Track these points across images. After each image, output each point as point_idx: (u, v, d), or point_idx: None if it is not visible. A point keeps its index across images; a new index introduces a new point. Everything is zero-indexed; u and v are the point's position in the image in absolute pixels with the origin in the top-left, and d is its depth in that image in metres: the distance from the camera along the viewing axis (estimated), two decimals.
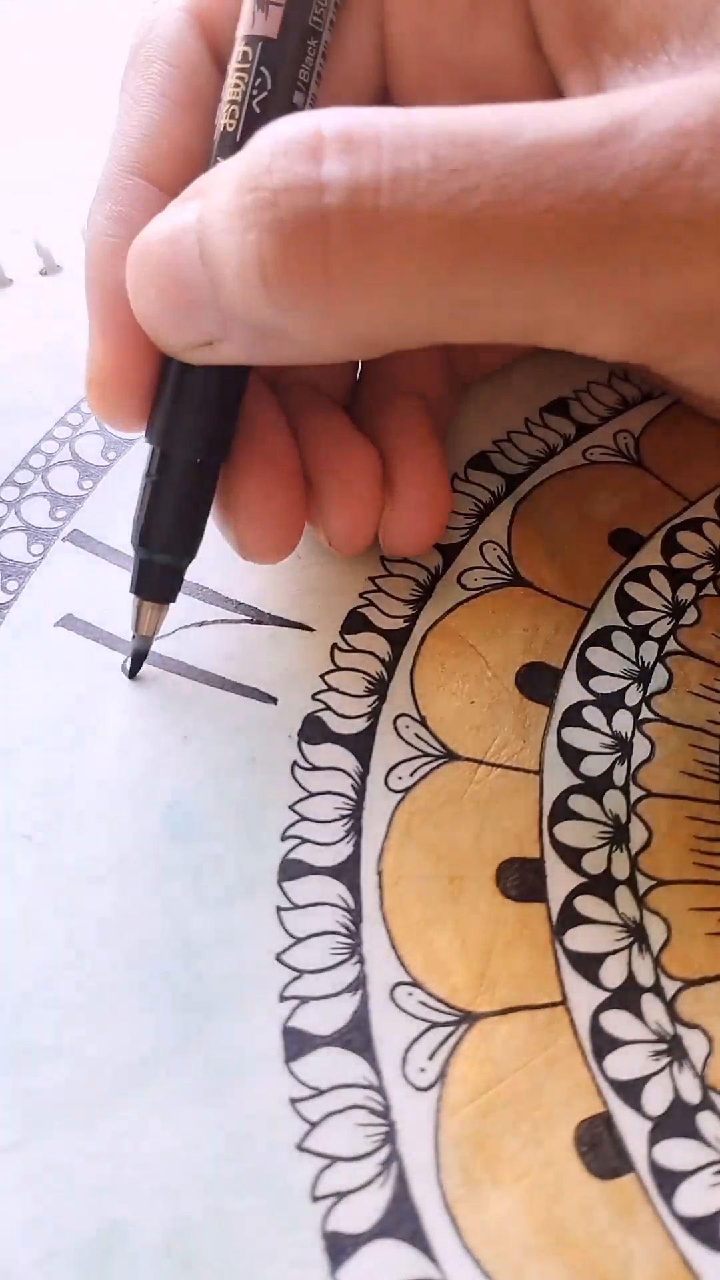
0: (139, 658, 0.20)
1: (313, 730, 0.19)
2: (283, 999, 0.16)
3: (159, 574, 0.19)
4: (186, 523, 0.19)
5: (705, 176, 0.13)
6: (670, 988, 0.16)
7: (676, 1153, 0.14)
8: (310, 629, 0.20)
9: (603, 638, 0.20)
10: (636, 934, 0.16)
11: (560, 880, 0.17)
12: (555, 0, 0.17)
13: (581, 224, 0.13)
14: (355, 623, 0.20)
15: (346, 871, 0.17)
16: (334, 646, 0.20)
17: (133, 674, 0.20)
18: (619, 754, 0.18)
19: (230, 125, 0.17)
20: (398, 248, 0.14)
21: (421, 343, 0.16)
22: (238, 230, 0.14)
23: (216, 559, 0.21)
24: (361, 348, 0.16)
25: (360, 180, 0.14)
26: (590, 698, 0.19)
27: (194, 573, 0.21)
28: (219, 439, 0.18)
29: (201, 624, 0.20)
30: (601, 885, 0.17)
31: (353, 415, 0.21)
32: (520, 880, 0.17)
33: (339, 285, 0.14)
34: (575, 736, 0.19)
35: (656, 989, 0.16)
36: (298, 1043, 0.15)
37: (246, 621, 0.20)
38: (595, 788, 0.18)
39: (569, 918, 0.17)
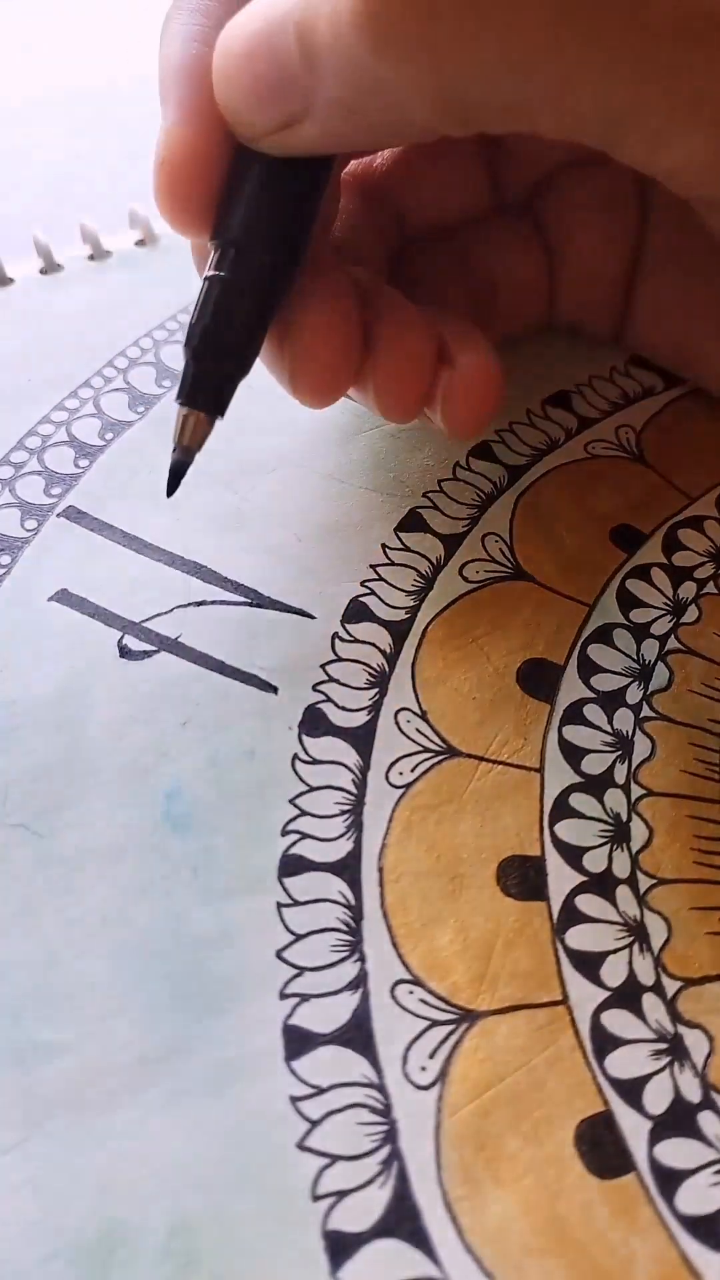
0: (177, 473, 0.18)
1: (313, 722, 0.19)
2: (283, 996, 0.16)
3: (211, 382, 0.18)
4: (248, 331, 0.17)
5: None
6: (671, 987, 0.16)
7: (677, 1152, 0.15)
8: (311, 616, 0.20)
9: (604, 635, 0.20)
10: (637, 933, 0.16)
11: (561, 878, 0.17)
12: None
13: (701, 18, 0.13)
14: (356, 612, 0.20)
15: (347, 868, 0.17)
16: (335, 636, 0.20)
17: (170, 491, 0.19)
18: (620, 752, 0.18)
19: None
20: (506, 3, 0.13)
21: (512, 124, 0.15)
22: None
23: (216, 538, 0.21)
24: (456, 112, 0.15)
25: None
26: (591, 695, 0.19)
27: (192, 551, 0.21)
28: (292, 247, 0.17)
29: (200, 604, 0.20)
30: (602, 884, 0.17)
31: None
32: (521, 878, 0.17)
33: (448, 31, 0.13)
34: (576, 734, 0.19)
35: (657, 988, 0.16)
36: (298, 1041, 0.15)
37: (246, 604, 0.20)
38: (596, 786, 0.18)
39: (570, 916, 0.17)
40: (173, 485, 0.19)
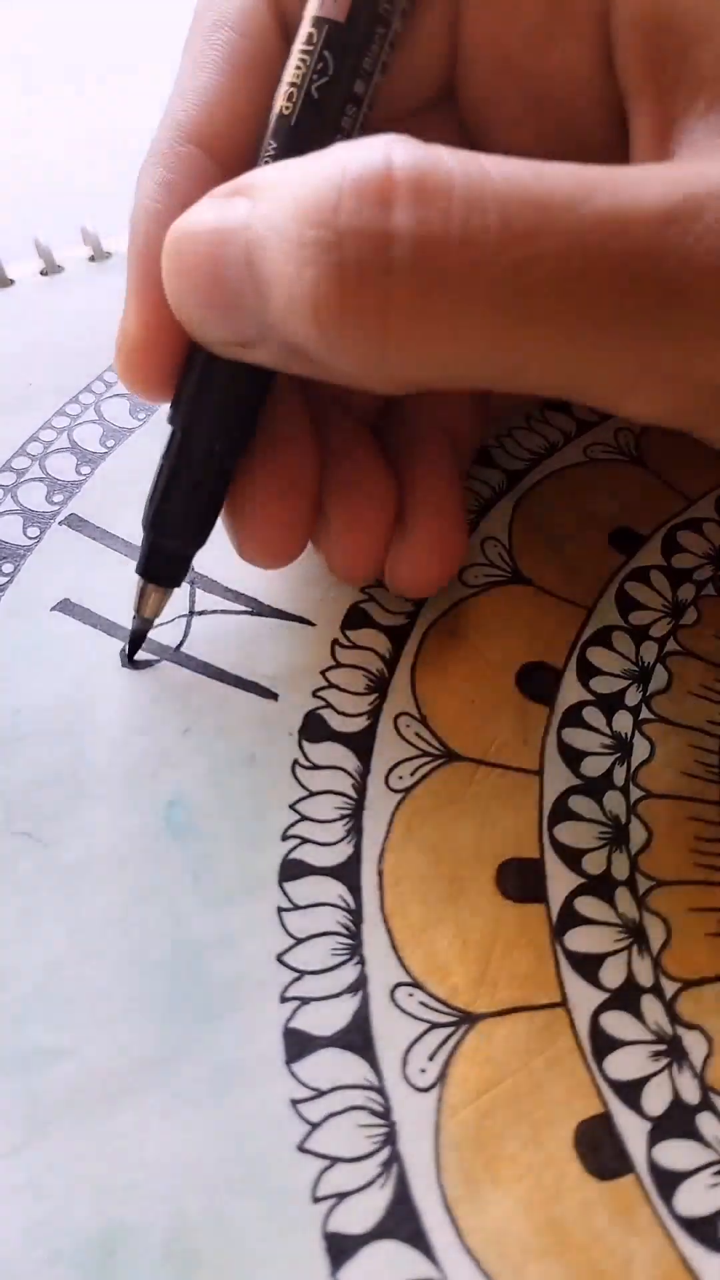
0: (138, 639, 0.19)
1: (313, 728, 0.19)
2: (283, 1000, 0.16)
3: (167, 558, 0.19)
4: (199, 511, 0.18)
5: None
6: (670, 988, 0.16)
7: (676, 1153, 0.15)
8: (311, 623, 0.20)
9: (603, 637, 0.20)
10: (636, 935, 0.16)
11: (560, 881, 0.17)
12: (635, 26, 0.16)
13: (637, 301, 0.14)
14: (356, 618, 0.20)
15: (347, 872, 0.17)
16: (335, 642, 0.20)
17: (131, 655, 0.20)
18: (619, 754, 0.18)
19: (287, 108, 0.17)
20: (457, 308, 0.14)
21: (464, 387, 0.16)
22: (295, 261, 0.14)
23: (217, 548, 0.21)
24: (402, 390, 0.16)
25: (430, 235, 0.13)
26: (590, 698, 0.19)
27: (195, 560, 0.21)
28: (240, 432, 0.18)
29: (201, 613, 0.20)
30: (601, 886, 0.17)
31: (377, 437, 0.20)
32: (520, 881, 0.17)
33: (394, 337, 0.14)
34: (575, 737, 0.19)
35: (656, 990, 0.16)
36: (298, 1044, 0.15)
37: (246, 613, 0.20)
38: (595, 788, 0.18)
39: (569, 918, 0.17)
40: (133, 650, 0.20)
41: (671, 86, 0.16)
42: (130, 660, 0.20)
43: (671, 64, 0.16)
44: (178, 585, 0.19)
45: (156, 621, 0.20)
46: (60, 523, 0.22)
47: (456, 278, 0.13)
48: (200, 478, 0.18)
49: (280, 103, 0.17)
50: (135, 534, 0.21)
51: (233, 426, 0.18)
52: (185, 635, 0.20)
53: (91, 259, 0.27)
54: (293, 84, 0.17)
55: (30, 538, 0.21)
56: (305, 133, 0.16)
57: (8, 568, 0.21)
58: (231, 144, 0.18)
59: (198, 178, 0.17)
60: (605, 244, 0.13)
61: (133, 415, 0.23)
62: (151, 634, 0.20)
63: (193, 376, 0.17)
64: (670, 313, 0.14)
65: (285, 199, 0.14)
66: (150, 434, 0.23)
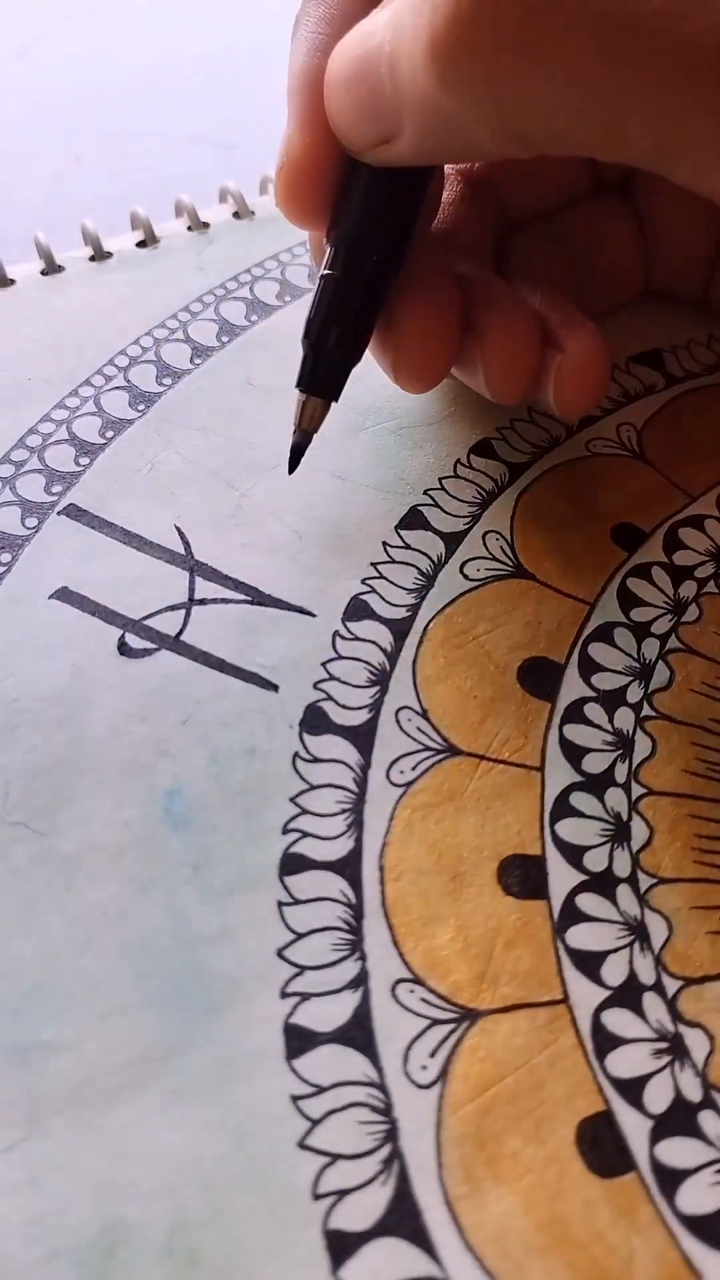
0: (297, 452, 0.20)
1: (314, 720, 0.19)
2: (284, 995, 0.16)
3: (326, 370, 0.20)
4: (355, 323, 0.19)
5: None
6: (671, 986, 0.16)
7: (678, 1151, 0.15)
8: (312, 614, 0.20)
9: (605, 633, 0.20)
10: (638, 932, 0.16)
11: (562, 877, 0.17)
12: None
13: None
14: (357, 609, 0.20)
15: (348, 866, 0.17)
16: (336, 634, 0.20)
17: (292, 468, 0.21)
18: (620, 751, 0.18)
19: None
20: (562, 33, 0.15)
21: (569, 148, 0.16)
22: (420, 11, 0.15)
23: (216, 535, 0.21)
24: (516, 140, 0.16)
25: None
26: (592, 694, 0.19)
27: (192, 548, 0.21)
28: (394, 249, 0.19)
29: (201, 602, 0.20)
30: (603, 883, 0.17)
31: None
32: (522, 877, 0.17)
33: (504, 64, 0.15)
34: (577, 733, 0.19)
35: (658, 987, 0.16)
36: (299, 1040, 0.15)
37: (247, 602, 0.20)
38: (597, 785, 0.18)
39: (570, 915, 0.17)
40: (294, 463, 0.21)
41: None
42: (291, 468, 0.21)
43: None
44: (335, 399, 0.20)
45: (155, 609, 0.19)
46: (59, 513, 0.21)
47: (561, 12, 0.14)
48: (360, 291, 0.19)
49: None
50: (134, 523, 0.21)
51: (388, 243, 0.19)
52: (185, 624, 0.20)
53: (92, 259, 0.26)
54: None
55: (28, 528, 0.21)
56: None
57: (5, 557, 0.21)
58: None
59: (355, 11, 0.18)
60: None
61: (132, 406, 0.23)
62: (150, 621, 0.20)
63: (353, 195, 0.19)
64: None
65: None
66: (149, 425, 0.23)
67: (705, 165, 0.16)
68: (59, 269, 0.26)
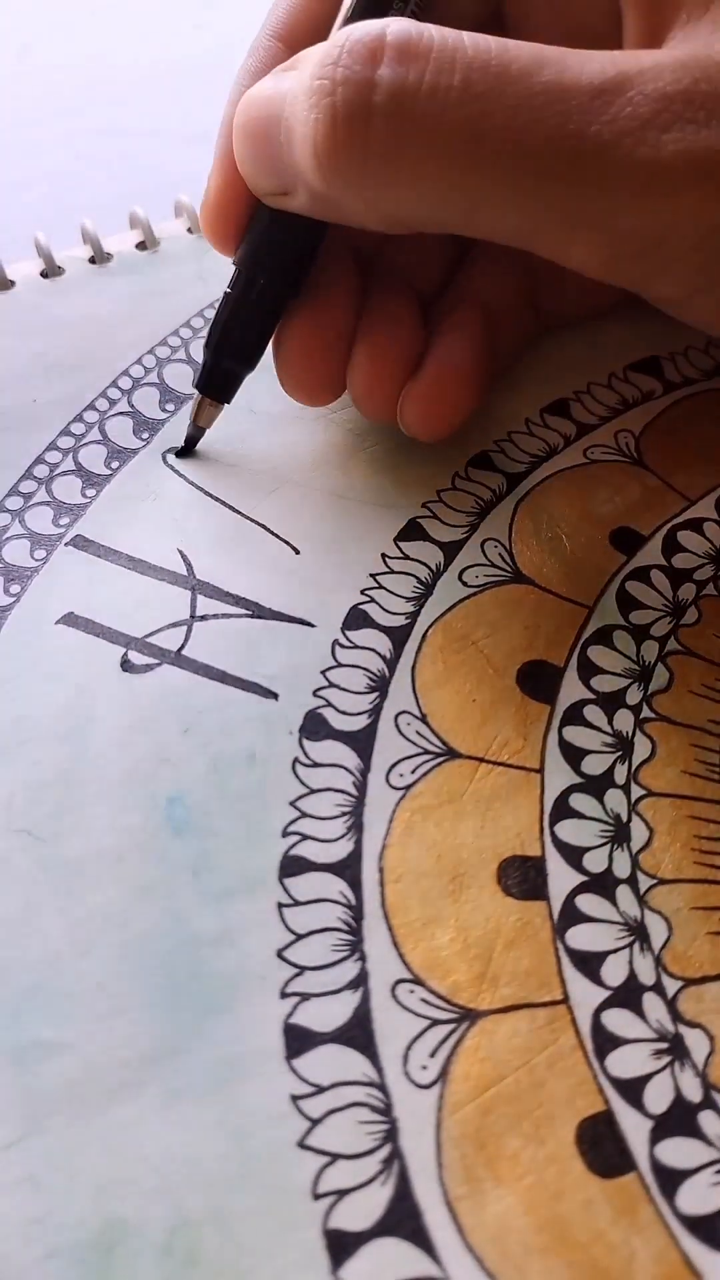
0: (191, 442, 0.23)
1: (314, 726, 0.19)
2: (284, 995, 0.16)
3: (222, 376, 0.22)
4: (252, 337, 0.22)
5: (669, 132, 0.17)
6: (671, 986, 0.16)
7: (678, 1151, 0.14)
8: (311, 625, 0.20)
9: (604, 636, 0.20)
10: (638, 933, 0.16)
11: (561, 878, 0.17)
12: None
13: (567, 157, 0.17)
14: (356, 619, 0.20)
15: (348, 868, 0.17)
16: (335, 643, 0.20)
17: (182, 454, 0.23)
18: (620, 753, 0.18)
19: (348, 10, 0.20)
20: (423, 146, 0.17)
21: (438, 229, 0.19)
22: (305, 108, 0.18)
23: (218, 556, 0.21)
24: (389, 223, 0.19)
25: (404, 87, 0.17)
26: (591, 696, 0.19)
27: (195, 569, 0.21)
28: (290, 274, 0.21)
29: (202, 618, 0.20)
30: (603, 884, 0.17)
31: (424, 308, 0.23)
32: (522, 878, 0.17)
33: (372, 169, 0.17)
34: (576, 735, 0.19)
35: (658, 988, 0.16)
36: (299, 1040, 0.15)
37: (247, 616, 0.20)
38: (596, 786, 0.18)
39: (570, 916, 0.17)
40: (187, 451, 0.23)
41: (658, 1, 0.19)
42: (180, 454, 0.23)
43: None
44: (228, 401, 0.23)
45: (157, 627, 0.20)
46: (66, 544, 0.22)
47: (422, 123, 0.17)
48: (254, 309, 0.22)
49: (348, 2, 0.20)
50: (139, 549, 0.21)
51: (283, 269, 0.21)
52: (186, 640, 0.20)
53: (92, 260, 0.27)
54: None
55: (37, 559, 0.21)
56: (361, 18, 0.19)
57: (15, 589, 0.21)
58: (309, 39, 0.20)
59: (278, 65, 0.20)
60: (546, 107, 0.17)
61: (136, 435, 0.23)
62: (152, 639, 0.20)
63: (255, 226, 0.21)
64: (594, 168, 0.17)
65: (309, 62, 0.18)
66: (154, 454, 0.23)
67: (560, 244, 0.18)
68: (59, 270, 0.27)
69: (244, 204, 0.21)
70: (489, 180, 0.17)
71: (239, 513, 0.22)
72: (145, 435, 0.24)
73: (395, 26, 0.17)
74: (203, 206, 0.22)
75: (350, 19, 0.19)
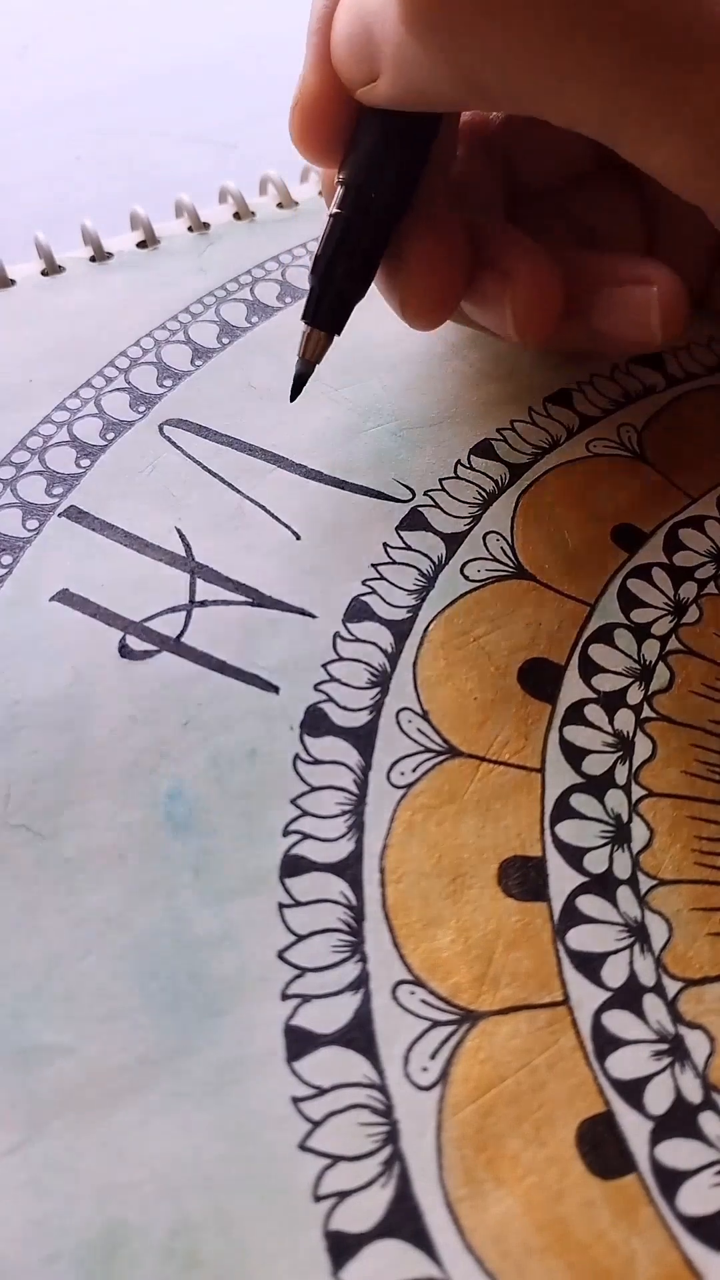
0: (300, 380, 0.21)
1: (315, 721, 0.19)
2: (284, 997, 0.16)
3: (331, 304, 0.21)
4: (363, 259, 0.20)
5: None
6: (672, 987, 0.16)
7: (678, 1152, 0.15)
8: (312, 615, 0.20)
9: (605, 635, 0.20)
10: (638, 933, 0.16)
11: (562, 879, 0.17)
12: None
13: (675, 36, 0.16)
14: (358, 611, 0.20)
15: (349, 868, 0.17)
16: (336, 635, 0.20)
17: (294, 396, 0.21)
18: (621, 753, 0.18)
19: None
20: (517, 5, 0.16)
21: (525, 107, 0.18)
22: None
23: (217, 538, 0.21)
24: (476, 92, 0.18)
25: None
26: (592, 695, 0.19)
27: (193, 550, 0.21)
28: (402, 188, 0.20)
29: (202, 604, 0.20)
30: (603, 884, 0.17)
31: None
32: (522, 879, 0.17)
33: (464, 26, 0.16)
34: (577, 735, 0.19)
35: (658, 989, 0.16)
36: (300, 1042, 0.15)
37: (247, 604, 0.20)
38: (597, 786, 0.18)
39: (571, 917, 0.17)
40: (295, 391, 0.21)
41: None
42: (292, 395, 0.21)
43: None
44: (338, 332, 0.21)
45: (156, 611, 0.19)
46: (59, 515, 0.21)
47: None
48: (365, 230, 0.20)
49: None
50: (134, 525, 0.21)
51: (393, 185, 0.20)
52: (185, 626, 0.20)
53: (92, 259, 0.26)
54: None
55: (29, 529, 0.21)
56: None
57: (6, 559, 0.21)
58: None
59: None
60: None
61: (133, 408, 0.23)
62: (150, 623, 0.20)
63: (363, 139, 0.20)
64: (700, 53, 0.16)
65: None
66: (150, 427, 0.23)
67: (646, 140, 0.17)
68: (59, 269, 0.26)
69: (341, 108, 0.20)
70: (578, 46, 0.16)
71: (239, 491, 0.22)
72: (142, 409, 0.23)
73: None
74: (295, 110, 0.20)
75: None
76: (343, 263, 0.20)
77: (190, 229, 0.27)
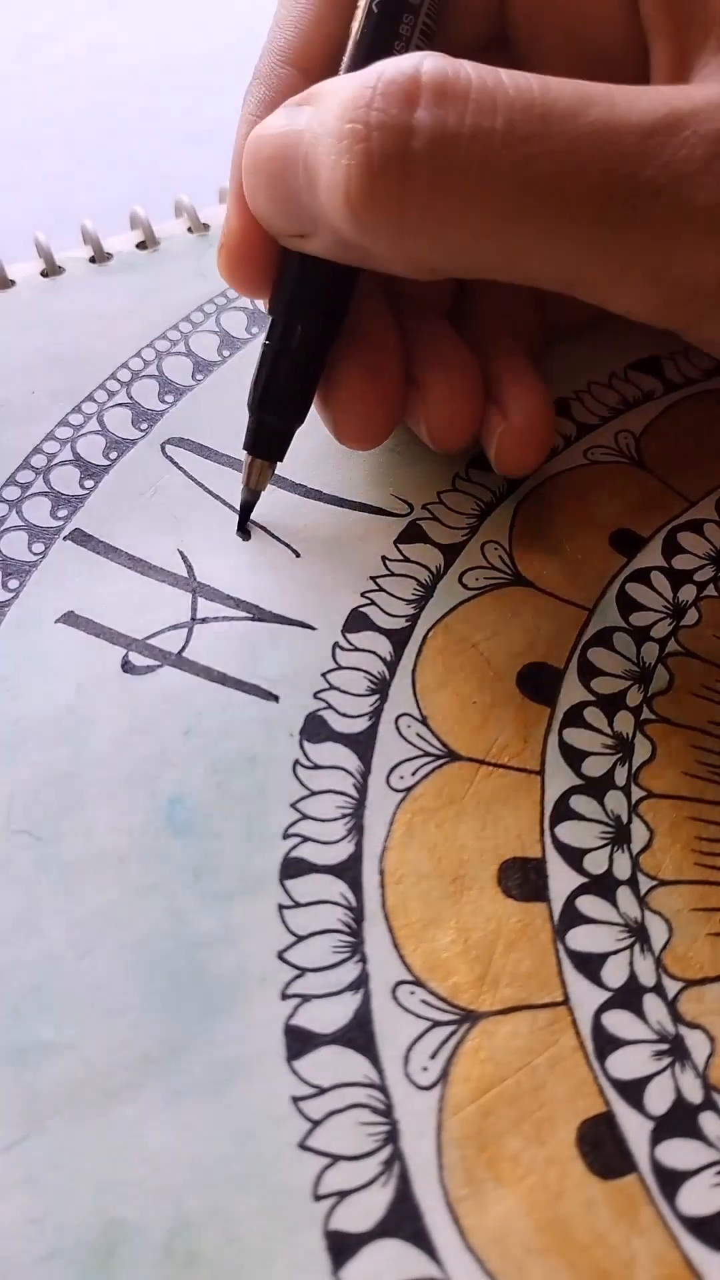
0: (247, 509, 0.22)
1: (314, 728, 0.19)
2: (284, 997, 0.16)
3: (270, 434, 0.21)
4: (297, 390, 0.20)
5: None
6: (672, 988, 0.16)
7: (678, 1153, 0.14)
8: (312, 627, 0.20)
9: (604, 638, 0.20)
10: (638, 934, 0.16)
11: (562, 880, 0.17)
12: None
13: (620, 201, 0.16)
14: (357, 622, 0.20)
15: (348, 870, 0.17)
16: (335, 645, 0.20)
17: (241, 525, 0.22)
18: (620, 754, 0.18)
19: (357, 35, 0.19)
20: (465, 194, 0.16)
21: (475, 275, 0.18)
22: (334, 152, 0.16)
23: (218, 557, 0.21)
24: (424, 272, 0.18)
25: (444, 131, 0.16)
26: (591, 698, 0.19)
27: (195, 570, 0.21)
28: (330, 318, 0.20)
29: (203, 620, 0.20)
30: (603, 885, 0.17)
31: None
32: (522, 880, 0.17)
33: (411, 218, 0.16)
34: (576, 737, 0.19)
35: (658, 989, 0.16)
36: (300, 1041, 0.15)
37: (248, 619, 0.20)
38: (596, 788, 0.18)
39: (571, 917, 0.17)
40: (243, 521, 0.22)
41: (685, 25, 0.18)
42: (240, 531, 0.22)
43: (685, 6, 0.18)
44: (279, 459, 0.21)
45: (158, 629, 0.20)
46: (65, 538, 0.22)
47: (465, 170, 0.16)
48: (297, 359, 0.20)
49: (355, 22, 0.19)
50: (138, 547, 0.21)
51: (323, 313, 0.20)
52: (187, 642, 0.20)
53: (93, 260, 0.27)
54: (363, 3, 0.19)
55: (35, 553, 0.21)
56: (370, 45, 0.18)
57: (13, 584, 0.21)
58: (323, 64, 0.20)
59: (294, 94, 0.19)
60: (596, 149, 0.16)
61: (134, 425, 0.24)
62: (153, 640, 0.20)
63: (288, 271, 0.20)
64: (649, 212, 0.16)
65: (334, 101, 0.17)
66: (152, 445, 0.23)
67: (609, 289, 0.17)
68: (59, 270, 0.27)
69: (266, 246, 0.20)
70: (535, 227, 0.16)
71: (239, 512, 0.22)
72: (144, 426, 0.24)
73: (430, 64, 0.16)
74: (221, 250, 0.20)
75: (360, 45, 0.18)
76: (278, 393, 0.20)
77: (190, 230, 0.28)
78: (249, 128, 0.19)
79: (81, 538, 0.22)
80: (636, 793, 0.18)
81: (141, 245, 0.27)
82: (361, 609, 0.20)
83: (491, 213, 0.16)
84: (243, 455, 0.21)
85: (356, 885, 0.17)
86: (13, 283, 0.26)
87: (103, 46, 0.37)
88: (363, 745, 0.19)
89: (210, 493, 0.22)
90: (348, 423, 0.21)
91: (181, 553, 0.21)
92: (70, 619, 0.20)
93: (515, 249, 0.17)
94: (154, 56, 0.36)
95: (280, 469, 0.23)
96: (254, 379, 0.20)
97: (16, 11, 0.40)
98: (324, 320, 0.20)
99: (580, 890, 0.17)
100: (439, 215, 0.16)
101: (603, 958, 0.16)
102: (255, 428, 0.21)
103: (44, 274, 0.26)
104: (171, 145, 0.32)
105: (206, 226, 0.28)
